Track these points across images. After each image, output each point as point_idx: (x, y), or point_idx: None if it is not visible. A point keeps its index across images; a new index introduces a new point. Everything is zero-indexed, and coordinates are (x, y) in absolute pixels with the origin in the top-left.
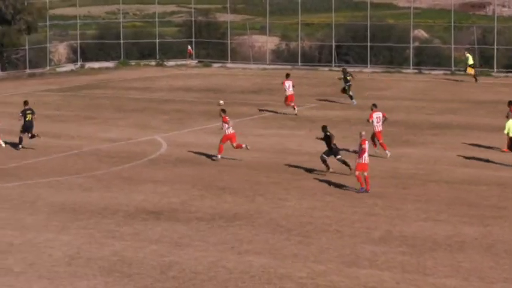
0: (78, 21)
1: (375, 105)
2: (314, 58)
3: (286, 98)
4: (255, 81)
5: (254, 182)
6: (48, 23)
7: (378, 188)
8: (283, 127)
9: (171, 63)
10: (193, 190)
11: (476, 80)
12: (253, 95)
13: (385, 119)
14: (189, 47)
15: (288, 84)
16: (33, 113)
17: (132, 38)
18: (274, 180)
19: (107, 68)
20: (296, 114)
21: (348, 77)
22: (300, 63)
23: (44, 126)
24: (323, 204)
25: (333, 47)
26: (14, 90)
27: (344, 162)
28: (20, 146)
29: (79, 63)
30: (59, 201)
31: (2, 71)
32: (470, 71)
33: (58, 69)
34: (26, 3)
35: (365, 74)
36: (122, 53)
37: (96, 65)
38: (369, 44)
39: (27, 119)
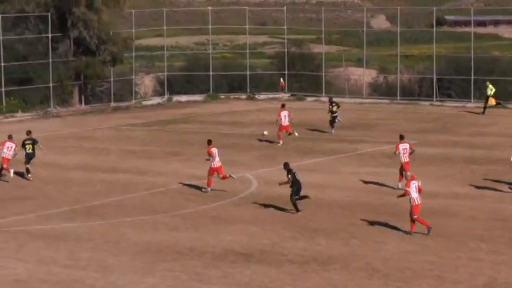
0: (166, 52)
1: (402, 137)
2: (414, 92)
3: (279, 128)
4: (351, 116)
5: (349, 223)
6: (134, 54)
7: (481, 230)
8: (380, 165)
9: (262, 96)
10: (284, 231)
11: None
12: (348, 130)
13: (412, 151)
14: (282, 80)
15: (284, 114)
16: (34, 143)
17: (221, 70)
18: (370, 222)
19: (195, 102)
20: (279, 144)
21: (335, 108)
22: (398, 97)
23: (129, 163)
24: (423, 247)
25: (434, 80)
26: (97, 124)
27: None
28: (29, 176)
29: (166, 96)
30: (144, 242)
31: (85, 104)
32: (492, 102)
33: (144, 103)
34: (111, 33)
35: (468, 109)
36: (210, 85)
37: (183, 98)
38: (472, 77)
39: (27, 149)
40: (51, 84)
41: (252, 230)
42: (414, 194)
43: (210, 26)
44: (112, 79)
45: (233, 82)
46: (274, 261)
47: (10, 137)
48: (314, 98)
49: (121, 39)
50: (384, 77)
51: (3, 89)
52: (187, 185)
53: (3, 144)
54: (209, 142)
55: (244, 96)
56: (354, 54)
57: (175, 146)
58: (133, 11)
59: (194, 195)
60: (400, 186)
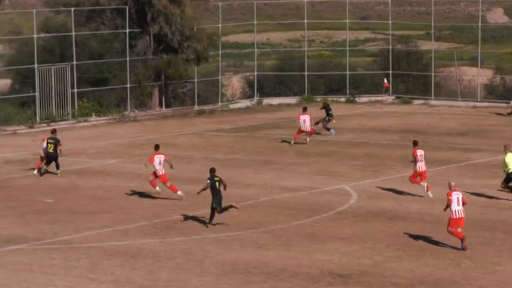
0: (256, 49)
1: (415, 143)
2: None
3: (298, 131)
4: (464, 121)
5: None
6: (220, 52)
7: None
8: (495, 176)
9: (364, 99)
10: (387, 250)
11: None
12: (460, 137)
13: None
14: (385, 80)
15: (304, 118)
16: (56, 143)
17: (318, 70)
18: (484, 240)
19: (288, 105)
20: (290, 144)
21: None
22: None
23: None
24: None
25: None
26: (179, 129)
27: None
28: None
29: (256, 98)
30: (230, 261)
31: (166, 107)
32: None
33: (231, 106)
34: (195, 29)
35: None
36: (305, 87)
37: (275, 101)
38: None
39: (49, 149)
40: (128, 85)
41: (350, 248)
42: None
43: (306, 21)
44: (196, 79)
45: (331, 83)
46: (376, 283)
47: (54, 132)
48: (422, 101)
49: (206, 35)
50: (501, 77)
51: (75, 90)
52: (279, 198)
53: (44, 139)
54: None
55: (343, 99)
56: (467, 52)
57: (266, 154)
58: (220, 4)
59: (286, 209)
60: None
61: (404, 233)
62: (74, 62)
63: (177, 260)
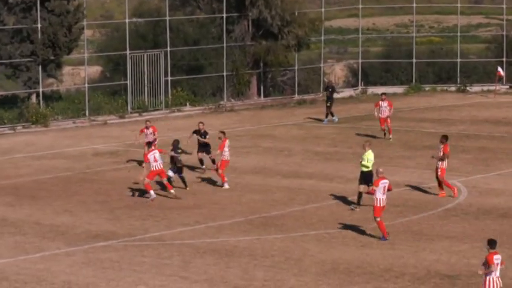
0: (360, 35)
1: (445, 138)
2: None
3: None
4: None
5: None
6: (322, 38)
7: None
8: None
9: (476, 88)
10: (498, 250)
11: None
12: None
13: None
14: (499, 69)
15: (383, 104)
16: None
17: (427, 57)
18: None
19: (394, 94)
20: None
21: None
22: None
23: (315, 166)
24: None
25: None
26: (278, 120)
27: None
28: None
29: (360, 87)
30: (330, 260)
31: (264, 96)
32: None
33: (334, 95)
34: (296, 13)
35: None
36: (413, 75)
37: (381, 90)
38: None
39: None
40: (225, 73)
41: (459, 247)
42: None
43: (414, 5)
44: (296, 67)
45: (440, 71)
46: None
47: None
48: None
49: (308, 20)
50: None
51: (169, 79)
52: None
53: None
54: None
55: (453, 88)
56: None
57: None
58: None
59: (390, 205)
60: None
61: None
62: (168, 49)
63: (274, 259)
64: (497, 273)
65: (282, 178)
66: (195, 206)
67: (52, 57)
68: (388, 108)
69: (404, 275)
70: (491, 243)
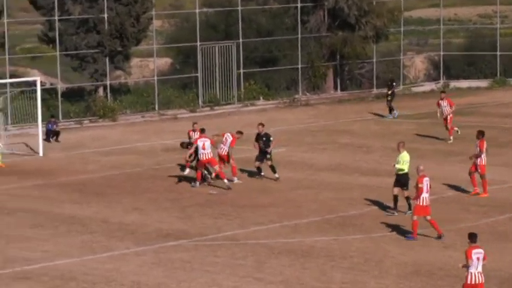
0: (442, 26)
1: (482, 134)
2: None
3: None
4: None
5: None
6: (402, 29)
7: None
8: None
9: None
10: None
11: None
12: None
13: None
14: None
15: (443, 104)
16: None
17: None
18: None
19: (478, 88)
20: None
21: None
22: None
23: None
24: None
25: None
26: (356, 115)
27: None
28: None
29: (441, 81)
30: (412, 261)
31: (341, 90)
32: None
33: (414, 89)
34: (374, 3)
35: None
36: (498, 68)
37: (463, 84)
38: None
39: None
40: (299, 66)
41: None
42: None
43: None
44: (374, 59)
45: None
46: None
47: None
48: None
49: (387, 10)
50: None
51: (241, 71)
52: (466, 192)
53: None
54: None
55: None
56: None
57: (452, 144)
58: None
59: (475, 205)
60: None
61: None
62: (240, 40)
63: (353, 260)
64: (479, 268)
65: (360, 175)
66: (269, 204)
67: (119, 49)
68: (448, 107)
69: (490, 278)
70: (471, 237)
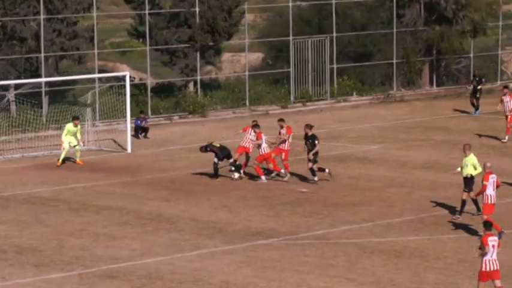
0: None
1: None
2: None
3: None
4: None
5: None
6: (500, 23)
7: None
8: None
9: None
10: None
11: None
12: None
13: None
14: None
15: (505, 99)
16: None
17: None
18: None
19: None
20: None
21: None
22: None
23: (491, 161)
24: None
25: None
26: (452, 111)
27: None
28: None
29: None
30: (508, 263)
31: (437, 85)
32: None
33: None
34: None
35: None
36: None
37: None
38: None
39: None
40: (394, 61)
41: None
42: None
43: None
44: (472, 55)
45: None
46: None
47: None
48: None
49: (485, 3)
50: None
51: (335, 66)
52: None
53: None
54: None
55: None
56: None
57: None
58: None
59: None
60: None
61: None
62: (334, 34)
63: (447, 260)
64: (494, 255)
65: (456, 174)
66: (361, 203)
67: (211, 43)
68: (511, 102)
69: None
70: (486, 225)
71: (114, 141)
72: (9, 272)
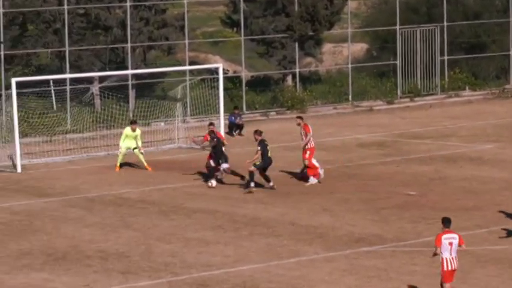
0: None
1: None
2: None
3: None
4: None
5: None
6: None
7: None
8: None
9: None
10: None
11: None
12: None
13: None
14: None
15: None
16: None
17: None
18: None
19: None
20: None
21: None
22: None
23: None
24: None
25: None
26: None
27: None
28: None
29: None
30: None
31: None
32: None
33: None
34: None
35: None
36: None
37: None
38: None
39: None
40: (510, 52)
41: None
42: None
43: None
44: None
45: None
46: None
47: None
48: None
49: None
50: None
51: (445, 58)
52: None
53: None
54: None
55: None
56: None
57: None
58: None
59: None
60: None
61: None
62: (445, 23)
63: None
64: (454, 253)
65: None
66: (474, 207)
67: (311, 33)
68: None
69: None
70: (445, 222)
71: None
72: (94, 279)
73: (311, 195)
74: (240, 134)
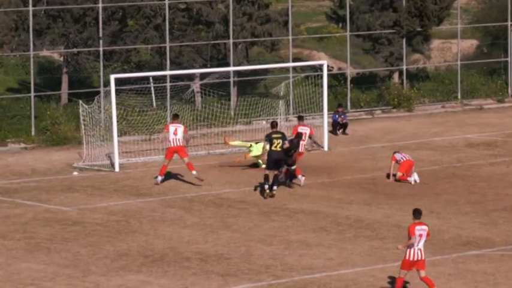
0: None
1: None
2: None
3: None
4: None
5: None
6: None
7: None
8: None
9: None
10: None
11: None
12: None
13: None
14: None
15: None
16: (284, 138)
17: None
18: None
19: None
20: None
21: None
22: None
23: None
24: None
25: None
26: None
27: None
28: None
29: None
30: None
31: None
32: None
33: None
34: None
35: None
36: None
37: None
38: None
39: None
40: None
41: None
42: None
43: None
44: None
45: None
46: None
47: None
48: None
49: None
50: None
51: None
52: None
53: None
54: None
55: None
56: None
57: None
58: None
59: None
60: None
61: None
62: None
63: None
64: (420, 245)
65: None
66: None
67: (419, 29)
68: None
69: None
70: (415, 213)
71: (310, 138)
72: (193, 281)
73: (417, 196)
74: (344, 132)
